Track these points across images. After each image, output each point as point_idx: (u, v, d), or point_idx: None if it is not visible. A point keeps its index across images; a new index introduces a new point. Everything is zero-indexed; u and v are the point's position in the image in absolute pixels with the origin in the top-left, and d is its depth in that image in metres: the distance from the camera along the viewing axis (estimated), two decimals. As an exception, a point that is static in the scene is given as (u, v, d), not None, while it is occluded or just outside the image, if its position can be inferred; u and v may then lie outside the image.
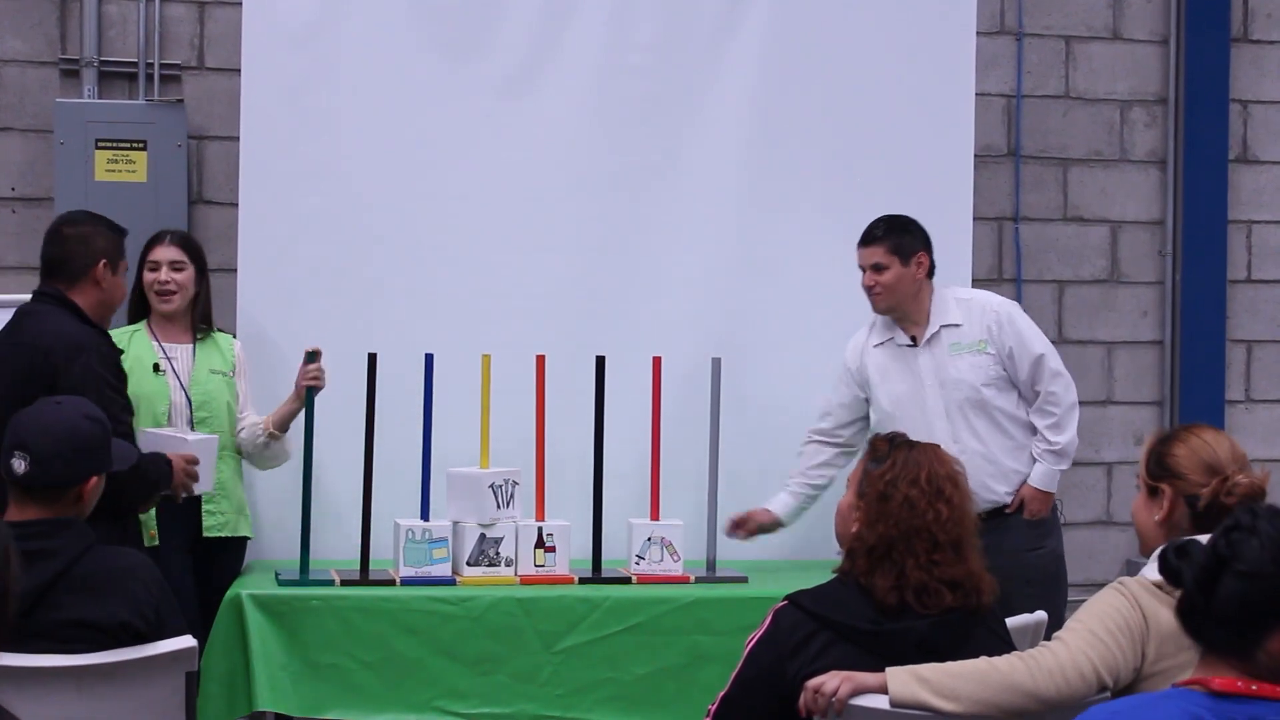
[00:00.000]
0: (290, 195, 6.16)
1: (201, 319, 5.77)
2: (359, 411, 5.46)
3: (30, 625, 3.81)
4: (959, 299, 5.91)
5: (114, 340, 5.49)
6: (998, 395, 5.79)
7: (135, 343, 5.64)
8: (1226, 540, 2.70)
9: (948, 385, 5.80)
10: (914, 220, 5.95)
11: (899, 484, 3.70)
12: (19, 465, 3.92)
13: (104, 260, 5.05)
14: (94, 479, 4.03)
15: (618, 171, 6.37)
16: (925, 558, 3.64)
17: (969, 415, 5.78)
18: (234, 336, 5.89)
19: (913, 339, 5.87)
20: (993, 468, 5.76)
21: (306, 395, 5.51)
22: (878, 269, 5.82)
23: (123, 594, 3.93)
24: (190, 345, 5.71)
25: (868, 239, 5.88)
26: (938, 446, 3.88)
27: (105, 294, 5.09)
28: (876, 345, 5.93)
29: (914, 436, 5.60)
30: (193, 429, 5.57)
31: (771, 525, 5.97)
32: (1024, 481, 5.77)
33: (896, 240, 5.83)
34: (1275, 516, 2.73)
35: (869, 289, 5.86)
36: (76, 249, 5.07)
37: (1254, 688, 2.64)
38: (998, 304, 5.92)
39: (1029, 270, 7.26)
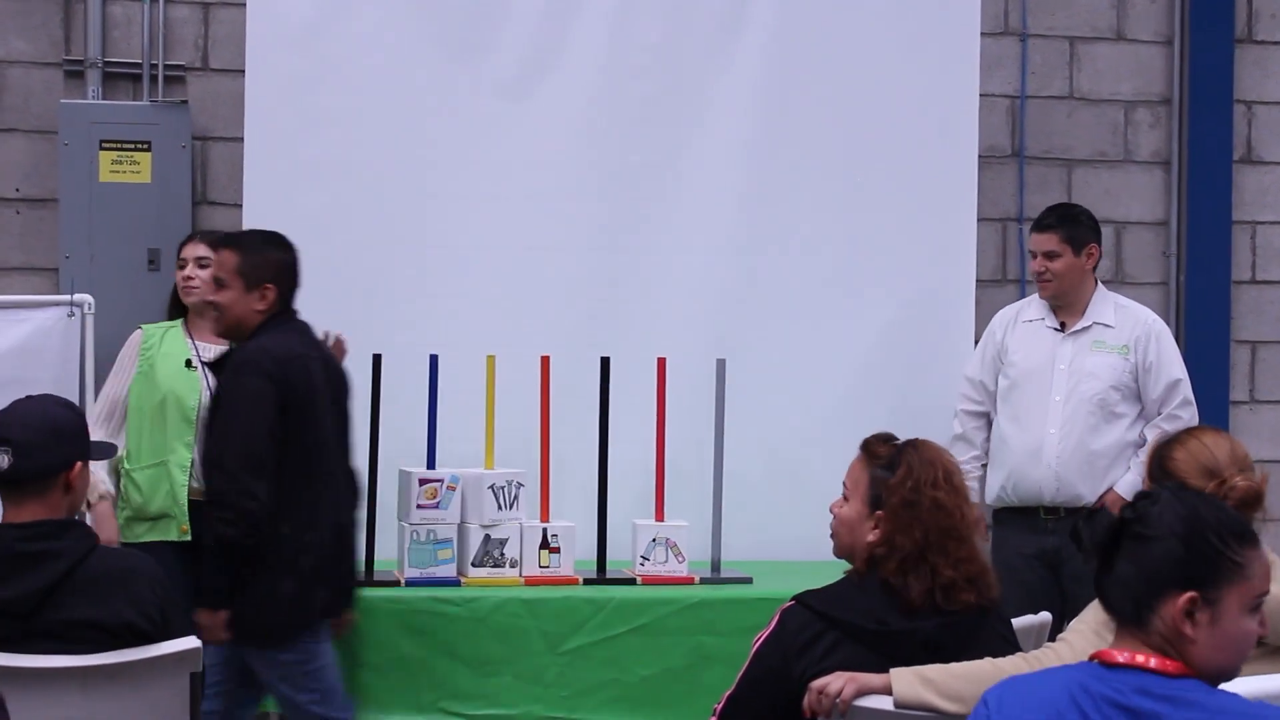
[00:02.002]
0: (294, 196, 6.16)
1: None
2: (364, 412, 5.45)
3: (35, 625, 3.82)
4: (1118, 304, 6.11)
5: (148, 335, 5.67)
6: (1121, 402, 5.94)
7: (169, 339, 5.72)
8: (1132, 508, 2.74)
9: (1078, 376, 5.95)
10: (1087, 211, 6.18)
11: (923, 488, 3.68)
12: (2, 460, 3.88)
13: None
14: (78, 465, 3.99)
15: (621, 172, 6.38)
16: (955, 556, 3.64)
17: (1086, 411, 5.92)
18: None
19: (1061, 325, 6.01)
20: (1086, 468, 5.90)
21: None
22: (1050, 256, 6.01)
23: (127, 594, 3.92)
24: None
25: (1042, 226, 6.07)
26: (932, 442, 3.86)
27: None
28: (1027, 321, 6.12)
29: (1028, 414, 5.93)
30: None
31: None
32: (1109, 489, 5.84)
33: (1070, 230, 6.02)
34: (1183, 489, 2.79)
35: (1039, 274, 6.04)
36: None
37: (1140, 658, 2.67)
38: (1152, 319, 6.10)
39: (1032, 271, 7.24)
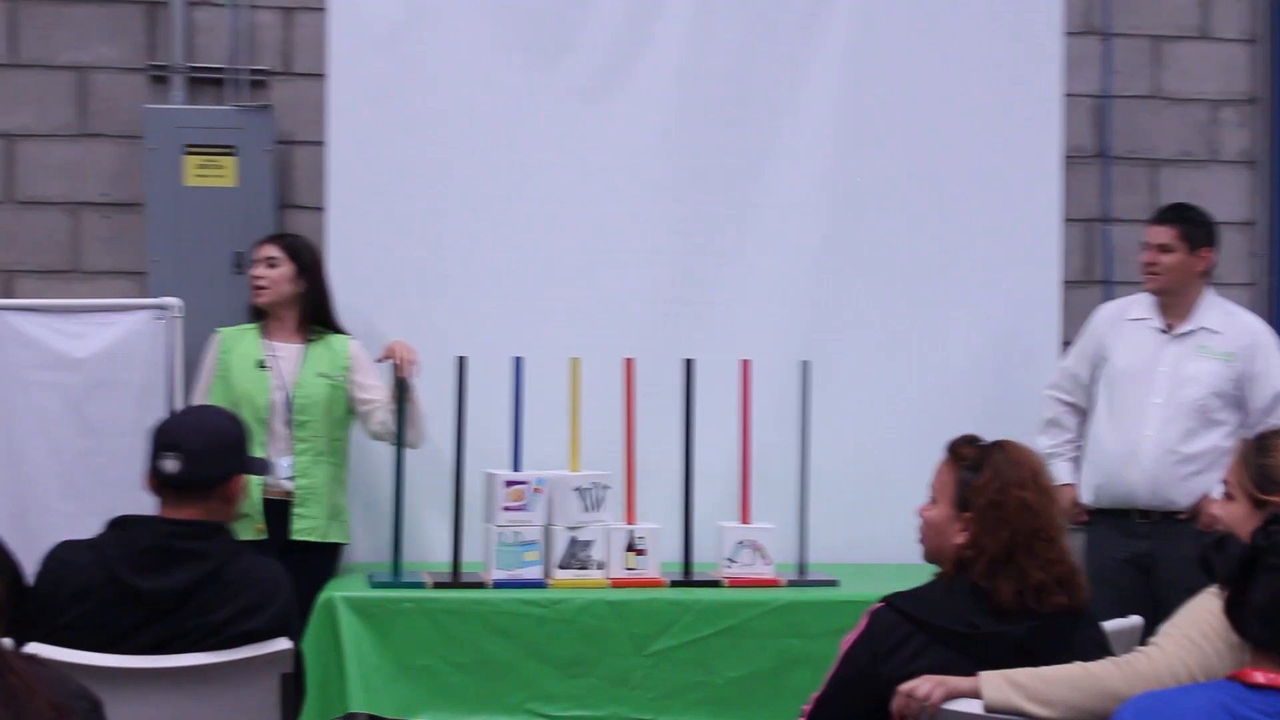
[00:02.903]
0: (377, 199, 6.20)
1: (313, 320, 5.85)
2: (449, 414, 5.48)
3: (172, 625, 3.87)
4: (1227, 311, 6.02)
5: (225, 338, 5.70)
6: (1222, 409, 5.86)
7: (245, 340, 5.79)
8: (1265, 533, 2.70)
9: (1180, 380, 5.88)
10: (1208, 215, 6.08)
11: (1010, 489, 3.67)
12: (171, 465, 3.98)
13: None
14: (239, 478, 4.12)
15: (704, 173, 6.37)
16: (1043, 558, 3.62)
17: (1185, 415, 5.85)
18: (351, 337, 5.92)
19: (1167, 326, 5.95)
20: (1181, 471, 5.83)
21: (398, 399, 5.54)
22: (1164, 249, 5.94)
23: (262, 604, 3.99)
24: (299, 346, 5.78)
25: (1160, 219, 6.02)
26: (1018, 443, 3.84)
27: None
28: (1133, 320, 6.04)
29: (1125, 415, 5.88)
30: (290, 429, 5.63)
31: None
32: (1203, 496, 5.78)
33: (1189, 228, 5.96)
34: None
35: (1148, 265, 5.98)
36: None
37: None
38: (1261, 327, 6.03)
39: (1119, 272, 7.20)
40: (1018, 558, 3.62)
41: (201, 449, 4.02)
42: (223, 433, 4.11)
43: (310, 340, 5.82)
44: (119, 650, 3.84)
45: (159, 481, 4.02)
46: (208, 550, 3.94)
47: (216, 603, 3.92)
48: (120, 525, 4.00)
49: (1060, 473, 6.03)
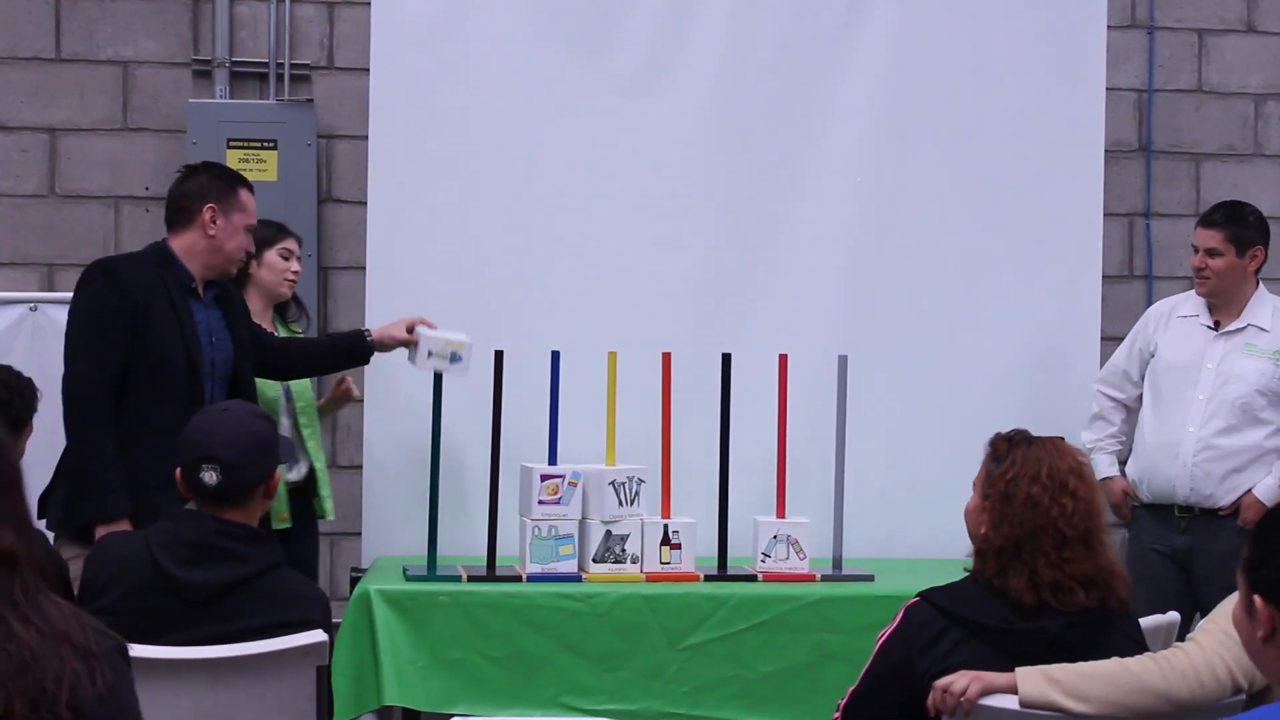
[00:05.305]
0: (418, 193, 6.20)
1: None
2: (486, 408, 5.49)
3: (209, 626, 3.92)
4: (1277, 308, 5.99)
5: None
6: (1267, 407, 5.85)
7: None
8: None
9: (1224, 377, 5.87)
10: (1257, 211, 6.07)
11: (1020, 482, 3.67)
12: (210, 477, 3.98)
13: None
14: (275, 473, 4.14)
15: (743, 168, 6.35)
16: (1055, 555, 3.61)
17: (1228, 412, 5.84)
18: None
19: (1216, 323, 5.95)
20: (1222, 468, 5.81)
21: (434, 391, 5.56)
22: (1211, 253, 5.93)
23: (303, 620, 4.02)
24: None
25: (1208, 222, 6.00)
26: (1059, 439, 3.84)
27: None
28: (1182, 317, 6.05)
29: (1169, 411, 5.89)
30: (293, 418, 5.72)
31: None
32: (1245, 493, 5.76)
33: (1236, 230, 5.93)
34: None
35: (1198, 270, 5.98)
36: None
37: None
38: None
39: (1160, 267, 7.17)
40: (1024, 554, 3.62)
41: (238, 458, 4.01)
42: (255, 436, 4.09)
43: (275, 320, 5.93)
44: (154, 643, 3.86)
45: (197, 492, 4.02)
46: (250, 555, 3.97)
47: (254, 609, 3.96)
48: (173, 519, 4.03)
49: (1101, 466, 6.06)
